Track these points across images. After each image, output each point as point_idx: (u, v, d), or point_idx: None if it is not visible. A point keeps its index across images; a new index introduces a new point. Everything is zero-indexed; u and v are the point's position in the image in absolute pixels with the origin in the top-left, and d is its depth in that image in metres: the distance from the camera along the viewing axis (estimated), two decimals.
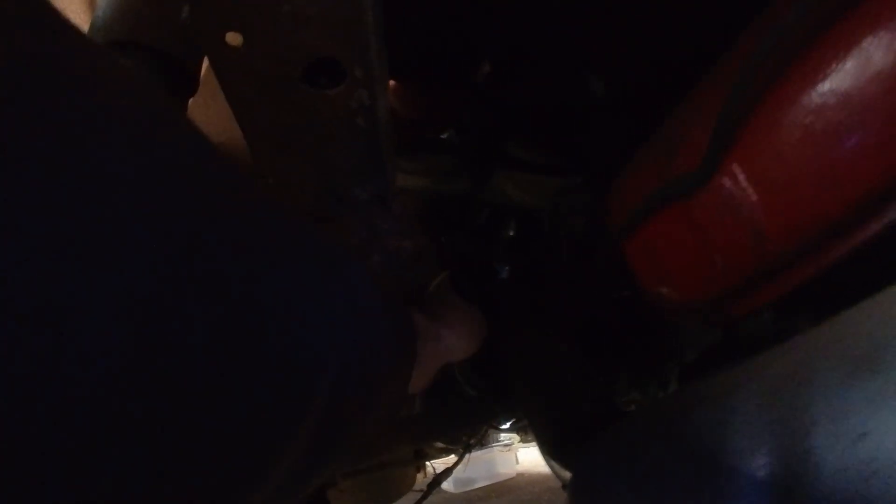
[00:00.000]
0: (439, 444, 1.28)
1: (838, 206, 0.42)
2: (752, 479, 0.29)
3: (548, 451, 0.68)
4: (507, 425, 1.21)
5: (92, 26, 0.46)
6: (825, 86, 0.39)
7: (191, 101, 0.57)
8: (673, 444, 0.36)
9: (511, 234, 0.86)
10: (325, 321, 0.26)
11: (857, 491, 0.24)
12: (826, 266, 0.47)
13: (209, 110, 0.68)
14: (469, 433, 1.16)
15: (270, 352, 0.22)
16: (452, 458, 1.28)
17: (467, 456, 1.22)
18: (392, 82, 0.74)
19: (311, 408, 0.25)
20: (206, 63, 0.55)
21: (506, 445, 3.40)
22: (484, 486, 3.51)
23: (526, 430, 1.34)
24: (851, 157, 0.39)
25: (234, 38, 0.37)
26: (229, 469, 0.22)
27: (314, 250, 0.28)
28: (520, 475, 3.69)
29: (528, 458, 3.97)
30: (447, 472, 1.13)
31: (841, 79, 0.38)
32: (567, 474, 0.61)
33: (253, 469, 0.23)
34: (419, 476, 1.45)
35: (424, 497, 1.08)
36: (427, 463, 1.40)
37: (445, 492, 3.49)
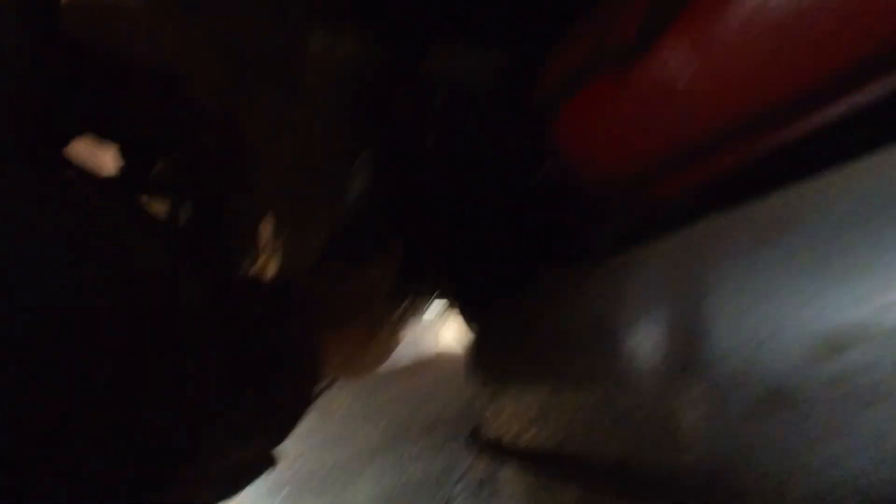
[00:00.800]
0: None
1: (774, 98, 0.41)
2: (644, 339, 0.28)
3: (460, 313, 0.68)
4: (431, 301, 1.22)
5: None
6: None
7: None
8: (572, 305, 0.35)
9: (439, 105, 0.82)
10: None
11: (746, 355, 0.24)
12: (752, 157, 0.47)
13: None
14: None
15: None
16: None
17: None
18: None
19: None
20: None
21: (430, 320, 3.51)
22: (412, 358, 3.66)
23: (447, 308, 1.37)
24: (793, 51, 0.38)
25: None
26: None
27: None
28: (441, 354, 3.87)
29: (451, 333, 4.15)
30: None
31: None
32: None
33: None
34: None
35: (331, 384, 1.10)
36: None
37: None
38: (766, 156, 0.46)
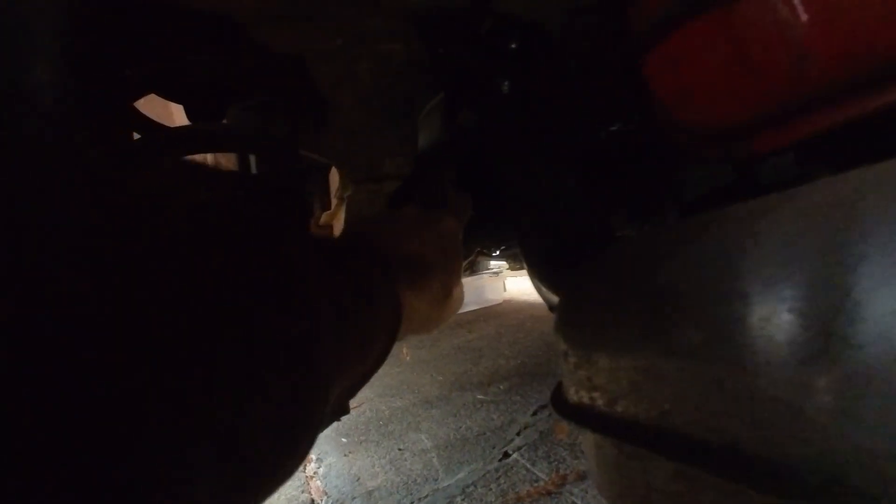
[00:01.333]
0: None
1: None
2: (779, 312, 0.24)
3: (539, 275, 0.65)
4: (497, 253, 1.20)
5: None
6: None
7: None
8: (688, 264, 0.32)
9: (514, 46, 0.78)
10: None
11: None
12: (867, 113, 0.43)
13: None
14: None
15: None
16: None
17: None
18: None
19: None
20: None
21: (495, 273, 3.52)
22: (473, 311, 3.69)
23: (515, 258, 1.35)
24: None
25: None
26: None
27: None
28: (506, 302, 3.87)
29: (514, 286, 4.14)
30: None
31: None
32: (555, 298, 0.60)
33: None
34: None
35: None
36: None
37: None
38: (885, 114, 0.42)
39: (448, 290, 0.54)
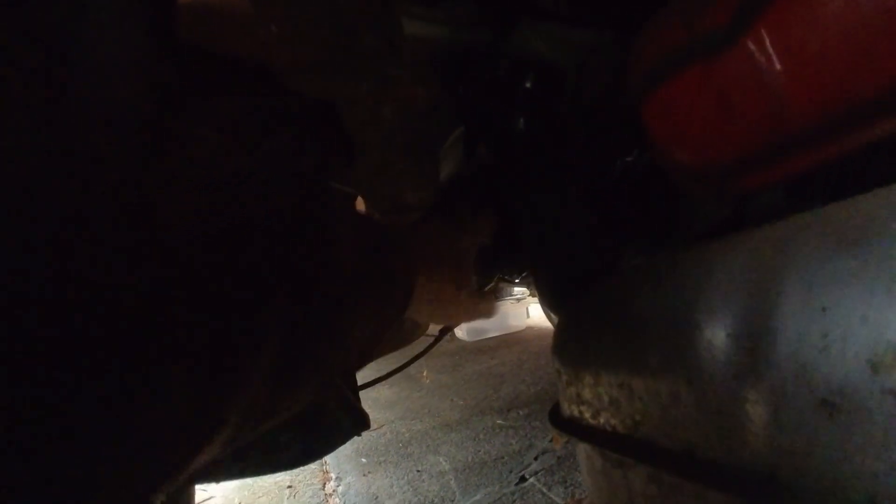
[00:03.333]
0: None
1: (870, 88, 0.40)
2: (719, 336, 0.30)
3: (546, 301, 0.70)
4: (519, 280, 1.24)
5: None
6: None
7: None
8: (655, 295, 0.37)
9: (529, 86, 0.83)
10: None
11: (810, 359, 0.25)
12: (844, 152, 0.46)
13: None
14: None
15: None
16: None
17: None
18: None
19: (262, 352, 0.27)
20: None
21: (518, 299, 3.52)
22: (495, 337, 3.70)
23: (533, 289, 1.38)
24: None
25: None
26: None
27: None
28: (529, 328, 3.88)
29: (537, 312, 4.14)
30: None
31: None
32: None
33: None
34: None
35: (437, 341, 1.14)
36: None
37: (460, 339, 3.71)
38: (864, 152, 0.45)
39: (458, 291, 0.59)
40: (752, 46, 0.45)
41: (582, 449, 0.44)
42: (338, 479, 1.80)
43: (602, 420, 0.39)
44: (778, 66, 0.44)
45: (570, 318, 0.49)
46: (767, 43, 0.44)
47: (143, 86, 0.25)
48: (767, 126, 0.47)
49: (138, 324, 0.20)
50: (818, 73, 0.42)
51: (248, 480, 1.75)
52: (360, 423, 0.74)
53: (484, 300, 0.70)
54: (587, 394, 0.41)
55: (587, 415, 0.41)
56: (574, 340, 0.45)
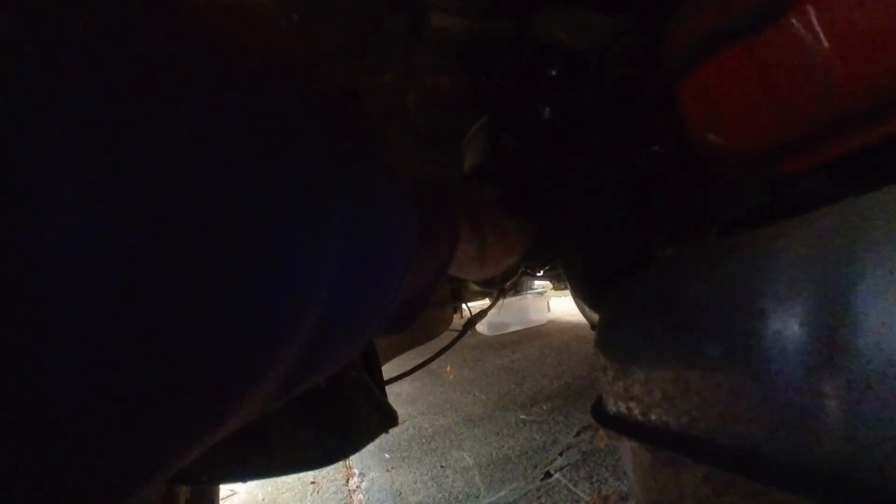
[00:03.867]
0: (476, 288, 1.32)
1: None
2: (789, 326, 0.27)
3: (581, 294, 0.68)
4: (542, 273, 1.22)
5: None
6: None
7: None
8: (712, 285, 0.35)
9: (554, 73, 0.81)
10: (315, 256, 0.25)
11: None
12: (893, 134, 0.44)
13: None
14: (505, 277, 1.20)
15: (250, 280, 0.22)
16: (487, 301, 1.33)
17: (502, 300, 1.25)
18: None
19: (293, 338, 0.25)
20: None
21: (539, 293, 3.52)
22: (517, 331, 3.70)
23: (559, 278, 1.36)
24: None
25: None
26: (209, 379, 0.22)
27: (319, 180, 0.26)
28: (550, 322, 3.87)
29: (559, 306, 4.13)
30: (482, 313, 1.17)
31: None
32: (597, 317, 0.63)
33: (228, 388, 0.23)
34: (455, 317, 1.52)
35: (460, 336, 1.14)
36: (463, 305, 1.45)
37: (481, 334, 3.71)
38: None
39: (501, 239, 0.60)
40: (796, 24, 0.43)
41: (628, 447, 0.42)
42: (361, 474, 1.80)
43: (654, 416, 0.37)
44: (825, 44, 0.42)
45: (615, 311, 0.47)
46: (814, 19, 0.42)
47: None
48: (813, 107, 0.45)
49: None
50: (868, 50, 0.40)
51: (274, 479, 1.76)
52: (387, 419, 0.73)
53: (525, 230, 0.69)
54: (637, 389, 0.39)
55: (636, 411, 0.39)
56: (621, 333, 0.43)
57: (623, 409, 0.41)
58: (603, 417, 0.44)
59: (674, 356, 0.35)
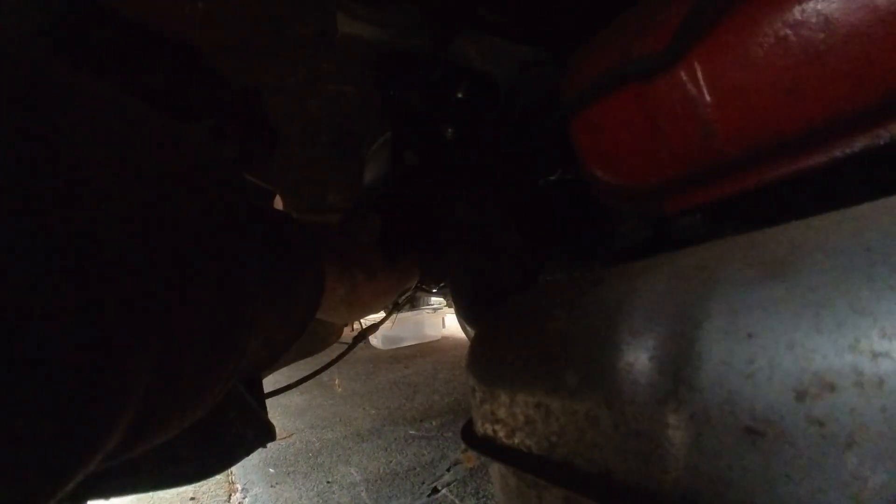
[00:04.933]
0: None
1: (793, 125, 0.41)
2: (641, 358, 0.29)
3: (465, 315, 0.69)
4: (436, 290, 1.23)
5: None
6: (811, 4, 0.37)
7: None
8: (575, 313, 0.36)
9: (460, 95, 0.82)
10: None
11: (735, 385, 0.25)
12: (766, 182, 0.47)
13: None
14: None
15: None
16: (381, 315, 1.31)
17: (395, 315, 1.25)
18: None
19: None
20: None
21: (434, 309, 3.53)
22: (411, 346, 3.69)
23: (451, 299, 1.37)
24: (820, 79, 0.38)
25: None
26: None
27: None
28: (444, 338, 3.90)
29: (453, 322, 4.17)
30: (373, 327, 1.15)
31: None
32: None
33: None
34: (346, 330, 1.49)
35: (350, 349, 1.11)
36: None
37: (374, 348, 3.67)
38: (782, 183, 0.46)
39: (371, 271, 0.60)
40: (684, 76, 0.46)
41: (496, 468, 0.42)
42: (244, 490, 1.72)
43: (517, 440, 0.38)
44: (707, 98, 0.45)
45: (486, 333, 0.48)
46: (699, 74, 0.45)
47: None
48: (694, 153, 0.48)
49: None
50: (745, 108, 0.44)
51: (148, 493, 1.64)
52: (263, 434, 0.70)
53: (399, 271, 0.68)
54: (502, 412, 0.39)
55: (501, 434, 0.40)
56: (489, 356, 0.44)
57: (490, 431, 0.41)
58: (471, 439, 0.44)
59: (536, 382, 0.36)
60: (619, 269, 0.38)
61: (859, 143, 0.38)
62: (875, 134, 0.37)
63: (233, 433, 0.68)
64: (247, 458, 0.64)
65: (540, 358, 0.36)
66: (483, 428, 0.42)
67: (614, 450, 0.30)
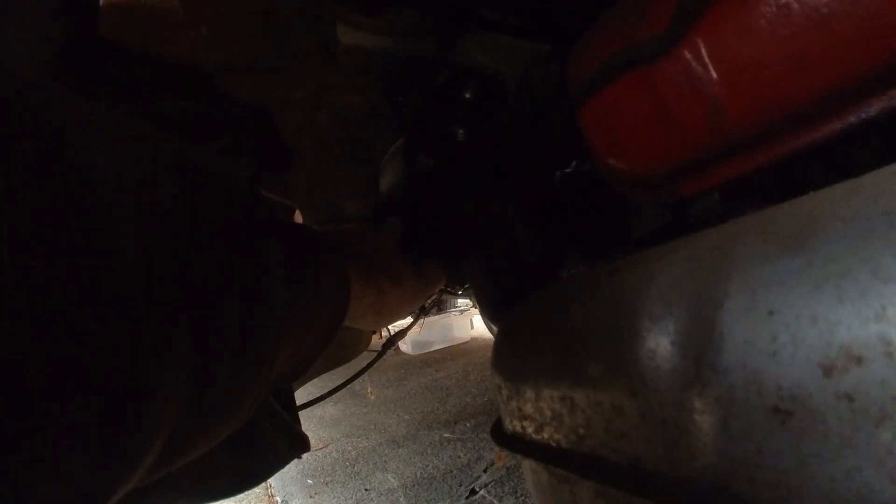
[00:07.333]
0: None
1: (803, 96, 0.40)
2: (663, 344, 0.28)
3: (489, 315, 0.69)
4: (461, 291, 1.23)
5: None
6: None
7: None
8: (593, 304, 0.36)
9: (468, 96, 0.82)
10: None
11: (759, 365, 0.24)
12: (781, 157, 0.46)
13: None
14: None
15: None
16: (409, 320, 1.32)
17: (422, 320, 1.25)
18: None
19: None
20: None
21: (462, 311, 3.54)
22: (440, 349, 3.70)
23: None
24: (827, 46, 0.37)
25: None
26: None
27: None
28: (474, 339, 3.89)
29: (481, 323, 4.16)
30: (401, 333, 1.16)
31: None
32: None
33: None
34: (375, 337, 1.50)
35: (380, 356, 1.12)
36: None
37: (404, 354, 3.69)
38: (795, 157, 0.45)
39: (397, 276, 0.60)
40: (687, 55, 0.45)
41: (527, 465, 0.42)
42: (284, 501, 1.74)
43: (546, 435, 0.37)
44: (714, 75, 0.45)
45: (509, 331, 0.48)
46: (703, 52, 0.44)
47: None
48: (704, 132, 0.48)
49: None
50: (753, 82, 0.43)
51: None
52: (297, 444, 0.70)
53: (425, 275, 0.68)
54: (529, 408, 0.39)
55: (530, 430, 0.39)
56: (513, 353, 0.44)
57: (518, 428, 0.41)
58: (501, 437, 0.44)
59: (560, 375, 0.35)
60: (635, 256, 0.38)
61: (874, 108, 0.37)
62: (890, 96, 0.36)
63: (266, 443, 0.69)
64: (284, 470, 0.65)
65: (562, 351, 0.36)
66: (512, 425, 0.42)
67: (642, 439, 0.30)
